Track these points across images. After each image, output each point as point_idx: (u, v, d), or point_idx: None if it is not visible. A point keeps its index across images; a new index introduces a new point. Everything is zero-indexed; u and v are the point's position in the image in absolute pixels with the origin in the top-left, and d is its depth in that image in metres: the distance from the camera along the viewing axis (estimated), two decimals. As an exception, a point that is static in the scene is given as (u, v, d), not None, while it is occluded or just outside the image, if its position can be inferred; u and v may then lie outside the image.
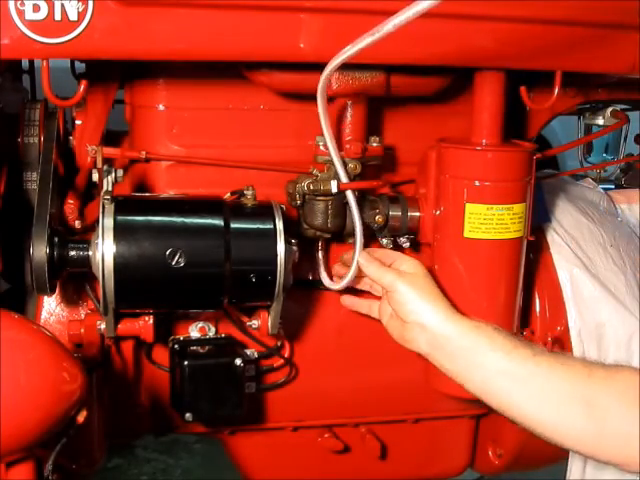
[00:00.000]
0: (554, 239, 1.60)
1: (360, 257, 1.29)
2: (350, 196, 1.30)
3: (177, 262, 1.20)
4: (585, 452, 1.11)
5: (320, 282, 1.43)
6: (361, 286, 1.38)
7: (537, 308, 1.56)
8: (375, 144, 1.37)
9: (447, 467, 1.75)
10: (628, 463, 1.06)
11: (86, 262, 1.24)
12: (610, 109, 1.76)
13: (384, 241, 1.44)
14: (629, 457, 1.04)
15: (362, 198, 1.39)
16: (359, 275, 1.32)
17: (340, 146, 1.33)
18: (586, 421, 1.06)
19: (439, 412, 1.63)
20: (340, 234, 1.40)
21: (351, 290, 1.41)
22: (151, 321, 1.35)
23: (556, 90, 1.33)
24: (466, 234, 1.34)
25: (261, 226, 1.28)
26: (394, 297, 1.24)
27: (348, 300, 1.42)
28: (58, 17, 1.08)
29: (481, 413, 1.68)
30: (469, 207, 1.32)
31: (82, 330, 1.35)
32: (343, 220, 1.37)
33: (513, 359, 1.13)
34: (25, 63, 1.80)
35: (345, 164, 1.32)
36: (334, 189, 1.30)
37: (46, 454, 1.10)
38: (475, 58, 1.29)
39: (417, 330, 1.22)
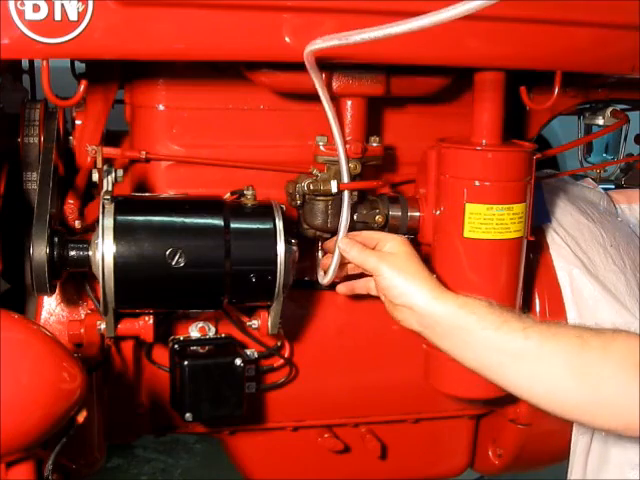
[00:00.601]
0: (554, 239, 1.60)
1: (341, 243, 1.27)
2: (345, 196, 1.30)
3: (177, 262, 1.20)
4: (583, 421, 1.11)
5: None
6: (351, 271, 1.35)
7: (537, 308, 1.56)
8: (375, 144, 1.37)
9: (447, 467, 1.75)
10: (627, 428, 1.05)
11: (86, 262, 1.24)
12: (610, 109, 1.76)
13: (384, 241, 1.44)
14: (628, 421, 1.04)
15: (362, 198, 1.39)
16: (345, 262, 1.31)
17: (340, 146, 1.34)
18: (581, 391, 1.06)
19: (439, 412, 1.63)
20: (340, 234, 1.40)
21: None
22: (151, 321, 1.35)
23: (556, 90, 1.33)
24: (466, 234, 1.34)
25: (261, 226, 1.28)
26: (380, 281, 1.23)
27: (343, 287, 1.38)
28: (58, 17, 1.08)
29: (481, 413, 1.69)
30: (469, 207, 1.32)
31: (82, 330, 1.35)
32: (343, 220, 1.37)
33: (503, 335, 1.12)
34: (25, 63, 1.80)
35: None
36: (334, 189, 1.30)
37: (46, 454, 1.10)
38: (475, 58, 1.29)
39: (407, 312, 1.21)
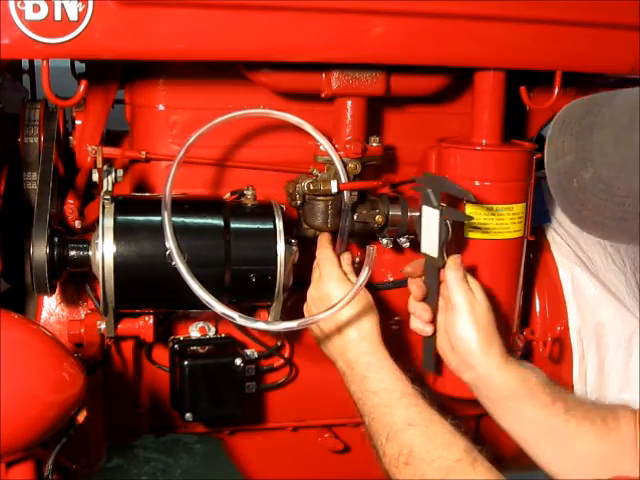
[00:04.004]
0: (554, 239, 1.60)
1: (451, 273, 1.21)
2: (345, 197, 1.30)
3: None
4: None
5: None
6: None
7: (537, 308, 1.56)
8: (375, 144, 1.37)
9: (447, 467, 1.74)
10: None
11: (86, 262, 1.24)
12: (610, 109, 1.76)
13: (384, 241, 1.44)
14: None
15: (362, 198, 1.39)
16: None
17: (340, 146, 1.34)
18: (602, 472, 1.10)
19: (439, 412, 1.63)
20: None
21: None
22: (151, 321, 1.35)
23: (556, 90, 1.33)
24: (466, 234, 1.34)
25: (261, 226, 1.28)
26: (451, 322, 1.20)
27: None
28: (58, 17, 1.08)
29: (481, 413, 1.68)
30: (469, 207, 1.32)
31: (82, 330, 1.35)
32: (343, 220, 1.37)
33: (547, 415, 1.15)
34: (25, 63, 1.80)
35: (345, 164, 1.32)
36: (334, 189, 1.31)
37: (46, 454, 1.10)
38: (475, 58, 1.29)
39: (463, 365, 1.20)
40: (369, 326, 1.22)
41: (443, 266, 1.20)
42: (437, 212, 1.17)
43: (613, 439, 1.12)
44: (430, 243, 1.20)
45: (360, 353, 1.20)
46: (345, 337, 1.22)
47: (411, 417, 1.10)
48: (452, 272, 1.20)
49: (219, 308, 1.17)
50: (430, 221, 1.19)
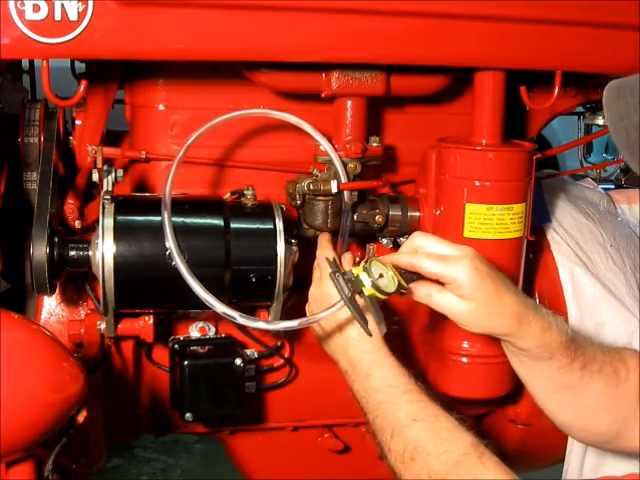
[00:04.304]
0: (554, 239, 1.60)
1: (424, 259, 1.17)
2: (345, 197, 1.30)
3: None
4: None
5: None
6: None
7: (537, 308, 1.56)
8: (375, 144, 1.37)
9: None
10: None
11: (86, 262, 1.24)
12: (610, 109, 1.75)
13: (384, 241, 1.44)
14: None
15: (362, 198, 1.39)
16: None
17: (340, 146, 1.34)
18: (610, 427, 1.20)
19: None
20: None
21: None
22: (151, 321, 1.35)
23: (556, 90, 1.33)
24: (466, 234, 1.34)
25: (261, 226, 1.28)
26: (455, 314, 1.17)
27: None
28: (58, 17, 1.08)
29: (481, 413, 1.68)
30: (469, 207, 1.32)
31: (82, 330, 1.35)
32: (343, 220, 1.37)
33: (563, 373, 1.17)
34: (25, 63, 1.80)
35: (345, 164, 1.32)
36: (334, 189, 1.31)
37: (46, 454, 1.10)
38: (475, 58, 1.29)
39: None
40: (369, 324, 1.22)
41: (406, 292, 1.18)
42: None
43: (620, 391, 1.16)
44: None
45: (362, 351, 1.20)
46: (346, 335, 1.22)
47: (415, 412, 1.10)
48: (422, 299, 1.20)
49: (220, 308, 1.17)
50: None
